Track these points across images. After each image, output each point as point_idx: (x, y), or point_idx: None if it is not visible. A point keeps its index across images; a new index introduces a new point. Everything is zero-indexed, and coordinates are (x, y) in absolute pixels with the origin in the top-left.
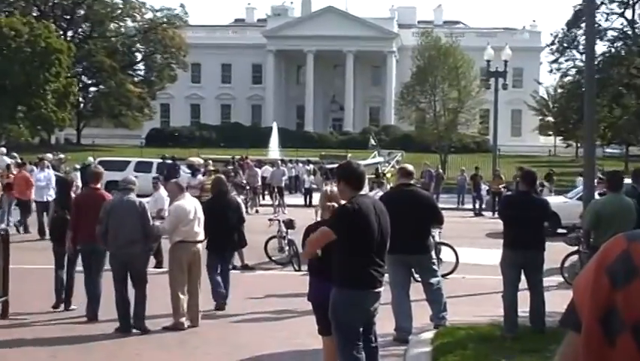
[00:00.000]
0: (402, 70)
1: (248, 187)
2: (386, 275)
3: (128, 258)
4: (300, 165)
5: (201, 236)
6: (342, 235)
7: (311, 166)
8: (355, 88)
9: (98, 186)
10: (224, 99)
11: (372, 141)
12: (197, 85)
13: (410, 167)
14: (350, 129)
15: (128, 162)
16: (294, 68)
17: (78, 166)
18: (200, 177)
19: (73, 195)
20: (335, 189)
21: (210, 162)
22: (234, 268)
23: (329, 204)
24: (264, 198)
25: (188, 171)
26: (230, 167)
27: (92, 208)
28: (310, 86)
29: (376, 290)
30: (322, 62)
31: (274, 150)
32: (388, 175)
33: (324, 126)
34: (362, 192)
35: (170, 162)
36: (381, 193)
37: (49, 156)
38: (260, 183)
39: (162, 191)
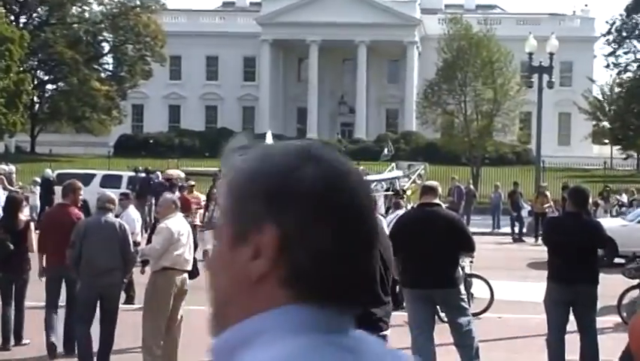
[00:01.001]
0: (425, 64)
1: None
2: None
3: (103, 289)
4: None
5: (189, 264)
6: None
7: None
8: (369, 86)
9: (70, 202)
10: (209, 100)
11: (386, 151)
12: (177, 82)
13: (435, 183)
14: (362, 136)
15: (93, 176)
16: (295, 62)
17: (38, 180)
18: (176, 194)
19: (24, 217)
20: None
21: (184, 176)
22: None
23: None
24: None
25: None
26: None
27: (60, 229)
28: (314, 84)
29: (379, 334)
30: (329, 54)
31: None
32: (408, 192)
33: (331, 133)
34: None
35: (143, 175)
36: (399, 214)
37: (4, 167)
38: None
39: (132, 211)
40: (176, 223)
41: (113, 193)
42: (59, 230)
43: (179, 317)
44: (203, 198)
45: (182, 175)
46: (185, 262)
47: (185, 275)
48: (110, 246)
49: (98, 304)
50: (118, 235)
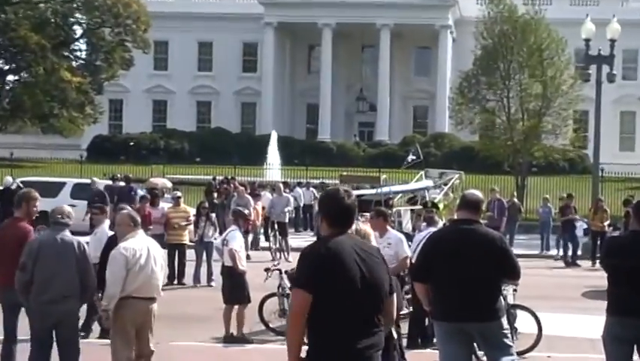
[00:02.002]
0: (461, 53)
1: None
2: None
3: (57, 318)
4: (312, 190)
5: (156, 290)
6: (309, 289)
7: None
8: (393, 79)
9: (22, 215)
10: (201, 94)
11: (410, 157)
12: (163, 73)
13: (477, 193)
14: (384, 138)
15: (62, 184)
16: (304, 50)
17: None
18: (163, 206)
19: None
20: (363, 226)
21: (170, 186)
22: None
23: None
24: (267, 239)
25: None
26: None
27: (8, 247)
28: (327, 76)
29: None
30: (345, 40)
31: (274, 169)
32: (440, 206)
33: (347, 134)
34: (348, 232)
35: (122, 184)
36: (430, 231)
37: None
38: (254, 216)
39: (108, 227)
40: (135, 244)
41: (85, 205)
42: (6, 248)
43: (149, 350)
44: (192, 212)
45: (169, 185)
46: (150, 288)
47: (152, 303)
48: (67, 269)
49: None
50: (76, 255)
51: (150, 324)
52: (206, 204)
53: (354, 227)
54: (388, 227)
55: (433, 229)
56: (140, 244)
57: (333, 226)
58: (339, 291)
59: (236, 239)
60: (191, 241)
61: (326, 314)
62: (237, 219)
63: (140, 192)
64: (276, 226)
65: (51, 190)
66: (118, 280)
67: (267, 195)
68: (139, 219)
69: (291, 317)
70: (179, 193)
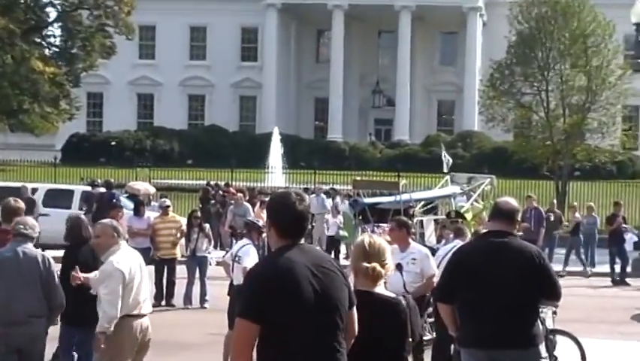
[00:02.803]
0: (492, 39)
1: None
2: None
3: (21, 342)
4: (322, 197)
5: (148, 306)
6: (256, 318)
7: (338, 200)
8: (414, 69)
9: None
10: (193, 87)
11: (446, 158)
12: (150, 62)
13: (509, 203)
14: (404, 138)
15: (34, 190)
16: (312, 36)
17: None
18: (149, 216)
19: None
20: (377, 239)
21: (153, 192)
22: None
23: (366, 265)
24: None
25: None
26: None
27: None
28: (338, 66)
29: None
30: (359, 25)
31: (276, 173)
32: (468, 216)
33: (361, 132)
34: (301, 242)
35: (102, 190)
36: (457, 245)
37: None
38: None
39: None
40: (125, 257)
41: (60, 215)
42: None
43: None
44: (183, 222)
45: (152, 190)
46: (144, 304)
47: (146, 321)
48: (31, 286)
49: None
50: (41, 271)
51: (146, 347)
52: (199, 214)
53: (367, 239)
54: (411, 240)
55: (460, 242)
56: (131, 258)
57: (283, 237)
58: (291, 318)
59: (250, 255)
60: (182, 256)
61: (277, 345)
62: (250, 231)
63: (124, 200)
64: None
65: (20, 197)
66: (117, 299)
67: None
68: (122, 229)
69: (235, 350)
70: (167, 202)
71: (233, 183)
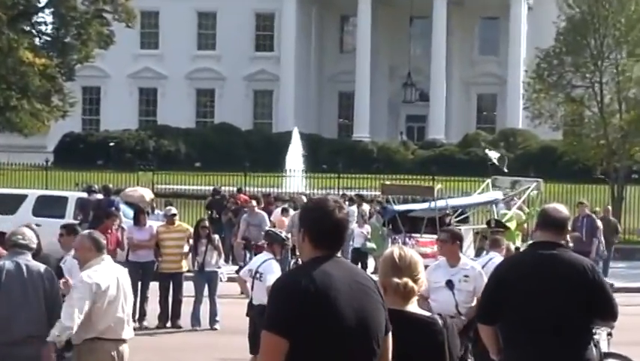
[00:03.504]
0: (539, 26)
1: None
2: None
3: None
4: (346, 205)
5: (128, 330)
6: (286, 333)
7: (365, 207)
8: (450, 60)
9: None
10: (202, 80)
11: (493, 155)
12: (153, 53)
13: (559, 210)
14: (439, 137)
15: (23, 197)
16: (335, 23)
17: None
18: (151, 225)
19: None
20: (408, 251)
21: (151, 198)
22: None
23: (396, 281)
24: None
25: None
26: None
27: None
28: (365, 57)
29: None
30: (388, 10)
31: (295, 177)
32: (511, 225)
33: (391, 131)
34: (337, 255)
35: (100, 196)
36: (498, 259)
37: None
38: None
39: None
40: (101, 273)
41: (52, 224)
42: None
43: None
44: (190, 230)
45: (148, 197)
46: (121, 327)
47: (124, 348)
48: (32, 303)
49: None
50: (44, 286)
51: None
52: (207, 223)
53: (397, 251)
54: (462, 254)
55: (496, 255)
56: (108, 273)
57: (318, 248)
58: (325, 337)
59: (274, 272)
60: (189, 271)
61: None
62: (272, 244)
63: (125, 208)
64: (297, 251)
65: (8, 205)
66: (77, 313)
67: (290, 211)
68: (103, 241)
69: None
70: (173, 209)
71: (247, 188)
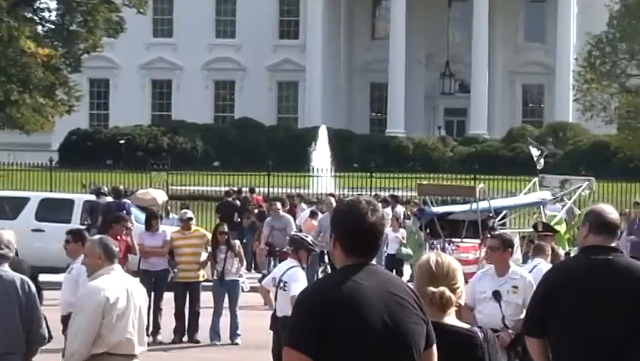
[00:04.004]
0: (590, 9)
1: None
2: None
3: None
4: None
5: (139, 344)
6: (309, 349)
7: (400, 210)
8: (493, 47)
9: None
10: (220, 71)
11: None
12: (167, 42)
13: (610, 211)
14: (481, 132)
15: (26, 200)
16: (367, 7)
17: None
18: (165, 230)
19: None
20: (445, 258)
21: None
22: None
23: (433, 290)
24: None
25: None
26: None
27: None
28: (399, 44)
29: None
30: None
31: (323, 177)
32: (560, 229)
33: (428, 125)
34: (372, 262)
35: (109, 199)
36: (545, 265)
37: None
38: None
39: None
40: (110, 284)
41: (56, 229)
42: None
43: None
44: (208, 236)
45: (163, 198)
46: (131, 343)
47: None
48: (7, 316)
49: None
50: (19, 298)
51: None
52: (226, 228)
53: (433, 258)
54: (512, 263)
55: (542, 262)
56: (117, 284)
57: (350, 255)
58: (352, 353)
59: (299, 281)
60: (207, 280)
61: None
62: (298, 250)
63: (136, 212)
64: (326, 258)
65: (10, 207)
66: (88, 332)
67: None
68: (116, 249)
69: None
70: (189, 213)
71: (270, 190)
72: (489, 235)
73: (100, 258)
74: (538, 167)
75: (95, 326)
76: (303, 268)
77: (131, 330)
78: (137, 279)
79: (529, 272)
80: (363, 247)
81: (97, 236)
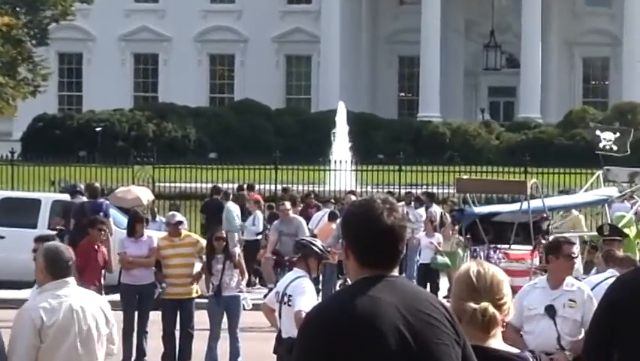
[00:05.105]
0: None
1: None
2: None
3: None
4: (411, 206)
5: None
6: None
7: (436, 209)
8: (548, 12)
9: None
10: (217, 43)
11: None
12: (152, 8)
13: None
14: (533, 115)
15: None
16: None
17: None
18: (151, 237)
19: None
20: (490, 268)
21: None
22: None
23: (473, 306)
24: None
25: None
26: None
27: None
28: (433, 8)
29: None
30: None
31: (343, 171)
32: (630, 233)
33: (469, 108)
34: (393, 273)
35: (84, 198)
36: (611, 277)
37: None
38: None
39: None
40: (50, 303)
41: (19, 235)
42: None
43: None
44: (202, 243)
45: (149, 198)
46: None
47: None
48: None
49: None
50: None
51: None
52: (224, 233)
53: (474, 268)
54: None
55: (615, 273)
56: (61, 302)
57: (365, 265)
58: None
59: (306, 293)
60: (201, 297)
61: None
62: (306, 258)
63: (116, 214)
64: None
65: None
66: (21, 356)
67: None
68: (67, 261)
69: None
70: (178, 216)
71: (279, 186)
72: (543, 241)
73: (42, 272)
74: (618, 153)
75: (31, 353)
76: (311, 279)
77: (77, 357)
78: (102, 297)
79: (595, 285)
80: (380, 255)
81: (48, 243)
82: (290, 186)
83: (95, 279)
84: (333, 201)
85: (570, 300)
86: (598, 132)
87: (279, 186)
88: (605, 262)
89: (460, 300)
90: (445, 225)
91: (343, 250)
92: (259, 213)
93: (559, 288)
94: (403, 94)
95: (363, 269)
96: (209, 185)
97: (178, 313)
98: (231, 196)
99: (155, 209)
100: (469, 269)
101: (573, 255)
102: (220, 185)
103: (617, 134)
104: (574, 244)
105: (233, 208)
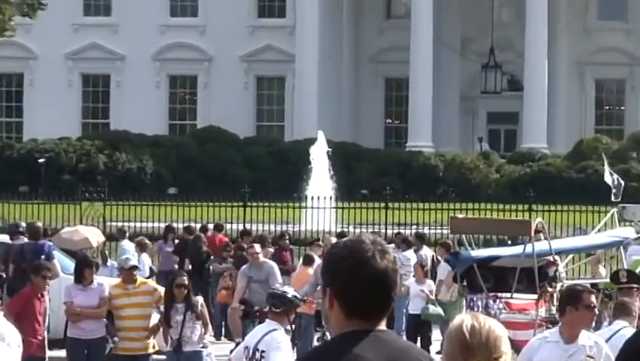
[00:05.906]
0: None
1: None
2: None
3: None
4: (396, 251)
5: None
6: None
7: (427, 252)
8: (555, 29)
9: None
10: (178, 62)
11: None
12: (103, 22)
13: None
14: (539, 145)
15: None
16: None
17: None
18: (102, 284)
19: None
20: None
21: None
22: None
23: None
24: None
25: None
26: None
27: None
28: (424, 23)
29: None
30: None
31: (321, 208)
32: None
33: (466, 137)
34: (381, 327)
35: (25, 240)
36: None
37: None
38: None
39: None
40: None
41: None
42: None
43: None
44: (160, 291)
45: (99, 239)
46: None
47: None
48: None
49: None
50: None
51: None
52: (185, 280)
53: (468, 321)
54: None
55: (626, 325)
56: None
57: (351, 317)
58: None
59: (281, 349)
60: (159, 352)
61: None
62: (289, 312)
63: (61, 257)
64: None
65: None
66: None
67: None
68: None
69: None
70: (132, 260)
71: (246, 225)
72: (549, 289)
73: None
74: (614, 198)
75: None
76: (287, 332)
77: None
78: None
79: (609, 338)
80: (370, 304)
81: None
82: (259, 226)
83: (36, 333)
84: (310, 241)
85: (588, 356)
86: (606, 171)
87: (248, 226)
88: (616, 313)
89: (452, 358)
90: (446, 272)
91: (326, 299)
92: (145, 257)
93: (574, 342)
94: (389, 120)
95: (348, 321)
96: (168, 224)
97: None
98: (127, 234)
99: (107, 252)
100: (462, 323)
101: (593, 305)
102: (174, 224)
103: (616, 182)
104: (594, 292)
105: (128, 247)
